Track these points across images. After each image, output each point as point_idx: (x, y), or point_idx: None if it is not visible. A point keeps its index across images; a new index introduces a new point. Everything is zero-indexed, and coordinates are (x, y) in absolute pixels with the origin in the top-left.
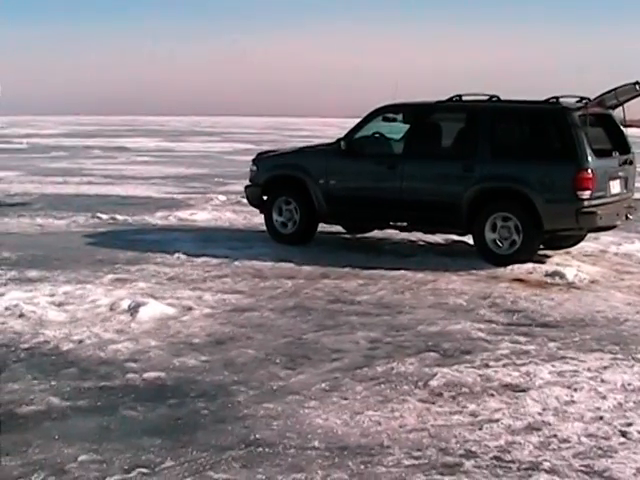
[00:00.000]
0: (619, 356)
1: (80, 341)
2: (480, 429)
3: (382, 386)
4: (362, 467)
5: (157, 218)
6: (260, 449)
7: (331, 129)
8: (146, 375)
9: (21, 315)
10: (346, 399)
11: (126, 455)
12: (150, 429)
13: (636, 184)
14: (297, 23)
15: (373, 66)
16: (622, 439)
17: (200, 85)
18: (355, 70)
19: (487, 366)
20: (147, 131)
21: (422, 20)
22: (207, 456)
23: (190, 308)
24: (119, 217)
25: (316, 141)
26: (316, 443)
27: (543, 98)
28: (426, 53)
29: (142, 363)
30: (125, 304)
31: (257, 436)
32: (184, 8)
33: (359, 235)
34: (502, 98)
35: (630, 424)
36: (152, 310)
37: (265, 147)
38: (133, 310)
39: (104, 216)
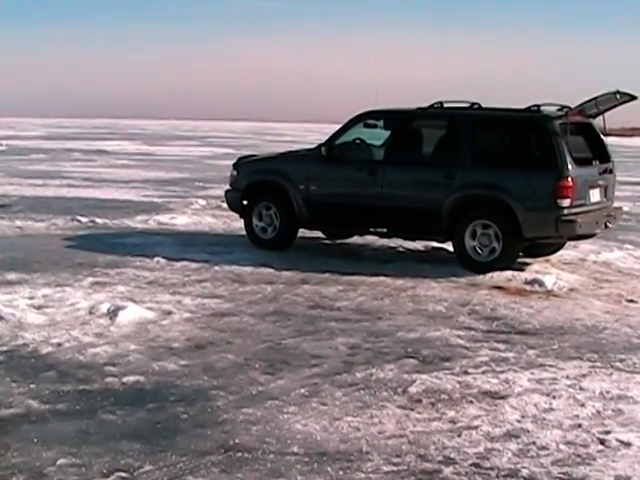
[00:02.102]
0: (598, 364)
1: (59, 344)
2: (459, 436)
3: (361, 392)
4: (341, 473)
5: (137, 222)
6: (239, 454)
7: (312, 134)
8: (125, 379)
9: (0, 318)
10: (325, 405)
11: (105, 459)
12: (129, 433)
13: (616, 193)
14: (279, 29)
15: (355, 72)
16: (600, 447)
17: (181, 89)
18: (337, 76)
19: (466, 373)
20: (127, 134)
21: (405, 28)
22: (186, 461)
23: (170, 312)
24: (99, 220)
25: (297, 146)
26: (295, 448)
27: (524, 106)
28: (408, 60)
29: (121, 367)
30: (104, 308)
31: (236, 441)
32: (167, 12)
33: (339, 241)
34: (483, 106)
35: (608, 432)
36: (131, 314)
37: (245, 152)
38: (112, 314)
39: (84, 219)
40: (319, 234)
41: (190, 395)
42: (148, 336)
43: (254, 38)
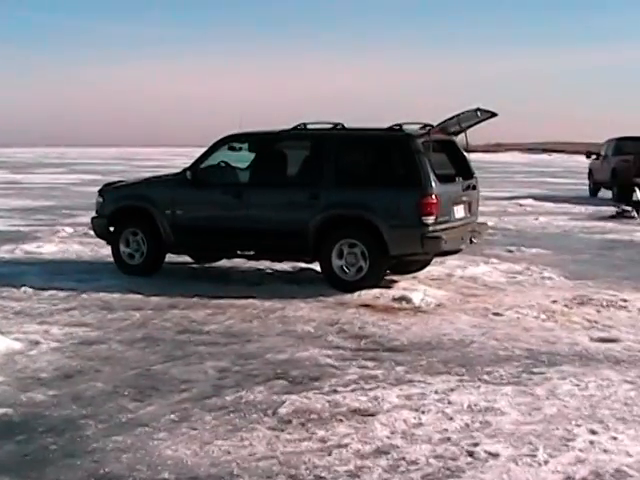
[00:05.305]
0: (465, 378)
1: None
2: (329, 454)
3: (231, 415)
4: None
5: (3, 252)
6: None
7: (180, 158)
8: None
9: None
10: (195, 429)
11: None
12: None
13: (481, 208)
14: (142, 53)
15: (221, 95)
16: (469, 459)
17: (48, 116)
18: (203, 99)
19: (335, 392)
20: None
21: (267, 51)
22: None
23: (37, 342)
24: None
25: (164, 171)
26: (166, 475)
27: (387, 125)
28: (269, 82)
29: None
30: None
31: (106, 470)
32: (29, 37)
33: (207, 264)
34: (347, 126)
35: (477, 444)
36: None
37: (113, 178)
38: None
39: None
40: (187, 258)
41: (59, 425)
42: (15, 367)
43: (119, 65)
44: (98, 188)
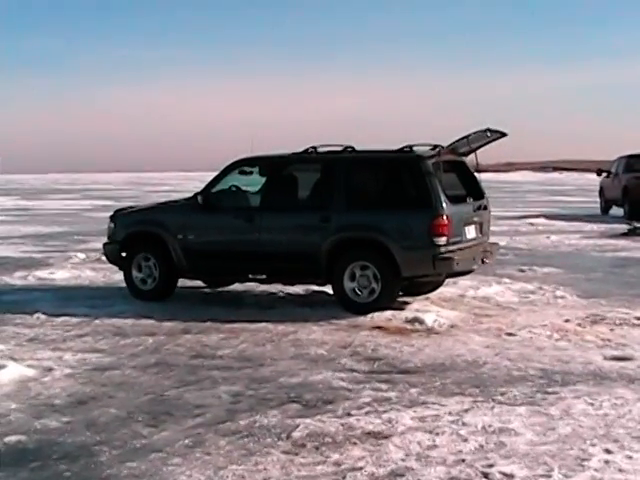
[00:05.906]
0: (479, 398)
1: None
2: (344, 478)
3: (245, 440)
4: None
5: (16, 278)
6: None
7: (192, 183)
8: (7, 439)
9: None
10: (209, 454)
11: None
12: None
13: (493, 227)
14: (152, 77)
15: (231, 118)
16: None
17: (58, 142)
18: (214, 123)
19: (349, 415)
20: (5, 190)
21: (277, 74)
22: None
23: (50, 369)
24: None
25: (177, 195)
26: None
27: (397, 147)
28: (284, 104)
29: (2, 427)
30: None
31: None
32: (37, 63)
33: (219, 289)
34: (357, 148)
35: (491, 465)
36: (12, 372)
37: (125, 203)
38: None
39: None
40: (199, 283)
41: (73, 452)
42: (29, 394)
43: (129, 88)
44: (110, 214)
